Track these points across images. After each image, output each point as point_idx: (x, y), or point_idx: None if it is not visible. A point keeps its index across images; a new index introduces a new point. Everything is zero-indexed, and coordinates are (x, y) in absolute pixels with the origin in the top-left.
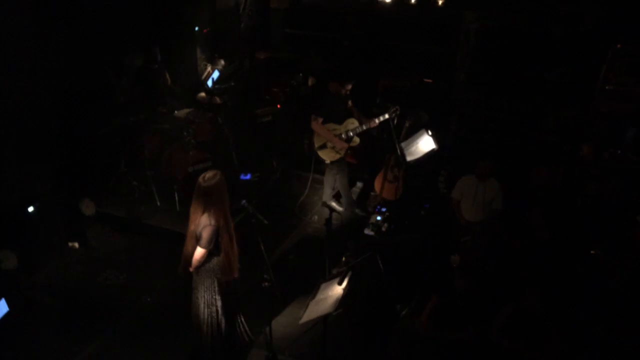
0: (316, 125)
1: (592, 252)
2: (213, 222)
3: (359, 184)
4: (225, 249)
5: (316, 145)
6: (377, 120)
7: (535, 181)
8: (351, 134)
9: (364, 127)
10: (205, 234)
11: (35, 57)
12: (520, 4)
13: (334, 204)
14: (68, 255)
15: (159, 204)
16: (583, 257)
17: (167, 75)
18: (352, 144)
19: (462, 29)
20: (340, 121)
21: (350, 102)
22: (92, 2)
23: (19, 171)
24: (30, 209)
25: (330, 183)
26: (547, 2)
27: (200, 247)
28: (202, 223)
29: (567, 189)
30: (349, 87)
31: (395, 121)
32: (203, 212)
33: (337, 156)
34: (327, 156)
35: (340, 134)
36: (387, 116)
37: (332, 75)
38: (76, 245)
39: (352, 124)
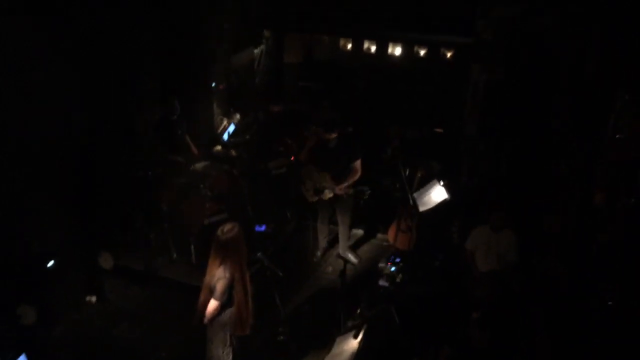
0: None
1: (609, 303)
2: (228, 274)
3: (380, 236)
4: (239, 303)
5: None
6: (344, 191)
7: (549, 230)
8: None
9: (332, 188)
10: (219, 286)
11: (54, 113)
12: (524, 58)
13: (349, 256)
14: (85, 309)
15: (175, 256)
16: (599, 308)
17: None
18: (322, 196)
19: (471, 81)
20: (322, 169)
21: (357, 163)
22: (111, 59)
23: (38, 226)
24: (50, 263)
25: (342, 230)
26: (547, 58)
27: (214, 299)
28: (217, 275)
29: (581, 237)
30: (332, 135)
31: (407, 172)
32: (220, 264)
33: (311, 198)
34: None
35: (314, 184)
36: (363, 192)
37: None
38: (93, 299)
39: (326, 181)
